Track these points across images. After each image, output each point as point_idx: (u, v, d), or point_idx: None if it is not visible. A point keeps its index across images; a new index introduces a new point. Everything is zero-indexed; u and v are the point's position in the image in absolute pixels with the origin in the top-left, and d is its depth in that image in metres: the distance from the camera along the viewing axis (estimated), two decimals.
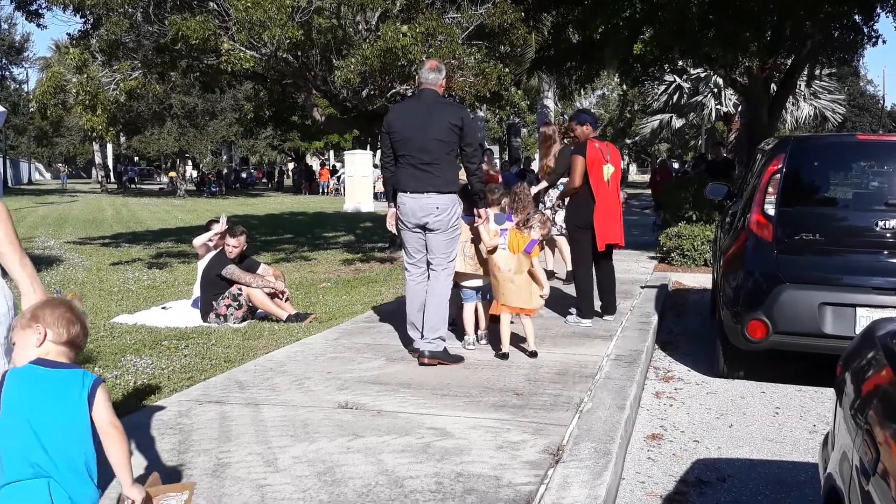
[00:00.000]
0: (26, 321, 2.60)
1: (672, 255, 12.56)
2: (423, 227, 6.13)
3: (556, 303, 8.21)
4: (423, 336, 6.14)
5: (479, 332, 6.77)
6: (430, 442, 4.31)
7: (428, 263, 6.26)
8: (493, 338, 6.60)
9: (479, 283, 6.67)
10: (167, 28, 11.56)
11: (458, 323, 6.80)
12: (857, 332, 5.40)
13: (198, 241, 8.59)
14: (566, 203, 8.15)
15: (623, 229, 7.89)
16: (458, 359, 6.19)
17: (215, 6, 11.85)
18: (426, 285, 6.28)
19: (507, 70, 13.23)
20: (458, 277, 6.55)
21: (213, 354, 6.51)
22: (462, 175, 6.35)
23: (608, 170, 7.65)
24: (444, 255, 6.16)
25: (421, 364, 6.04)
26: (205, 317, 7.98)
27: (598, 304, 7.91)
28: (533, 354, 6.28)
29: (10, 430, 2.49)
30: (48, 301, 2.73)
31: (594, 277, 7.87)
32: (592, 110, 48.91)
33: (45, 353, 2.59)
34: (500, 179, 13.87)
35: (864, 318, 5.68)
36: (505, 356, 6.24)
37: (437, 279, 6.21)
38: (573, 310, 7.76)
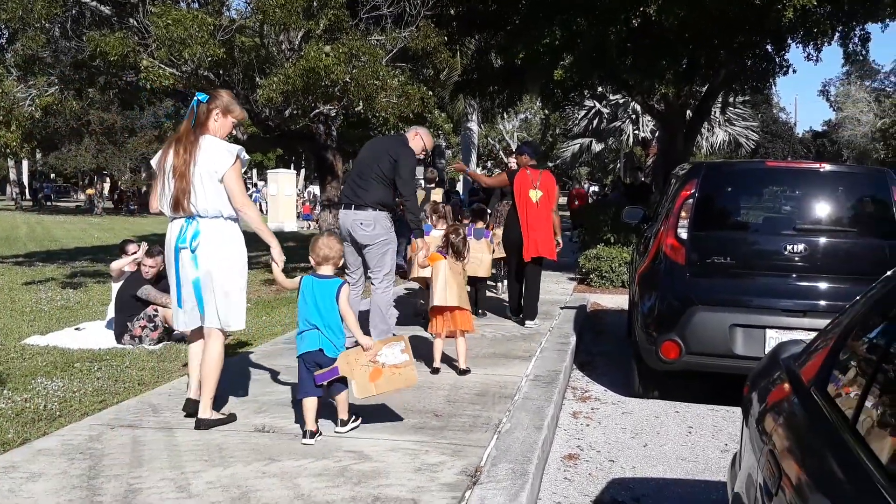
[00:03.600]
0: (320, 258, 4.85)
1: (591, 276, 12.78)
2: (353, 242, 6.75)
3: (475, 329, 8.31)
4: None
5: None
6: (347, 465, 4.29)
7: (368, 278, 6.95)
8: (427, 355, 6.70)
9: None
10: (85, 44, 11.33)
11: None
12: (767, 352, 5.58)
13: (115, 265, 8.41)
14: (504, 223, 9.19)
15: (552, 244, 8.76)
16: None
17: (135, 23, 11.66)
18: (358, 296, 6.98)
19: (430, 92, 13.31)
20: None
21: (126, 377, 6.37)
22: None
23: (535, 193, 8.65)
24: (378, 268, 6.79)
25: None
26: (119, 338, 7.80)
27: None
28: (465, 372, 6.44)
29: (303, 305, 4.78)
30: (322, 241, 4.88)
31: (520, 284, 8.95)
32: (515, 134, 49.49)
33: (323, 270, 4.86)
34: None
35: (773, 339, 5.86)
36: (436, 371, 6.47)
37: (377, 291, 6.85)
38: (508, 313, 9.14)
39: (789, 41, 15.40)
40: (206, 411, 4.88)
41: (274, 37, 12.04)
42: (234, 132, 14.82)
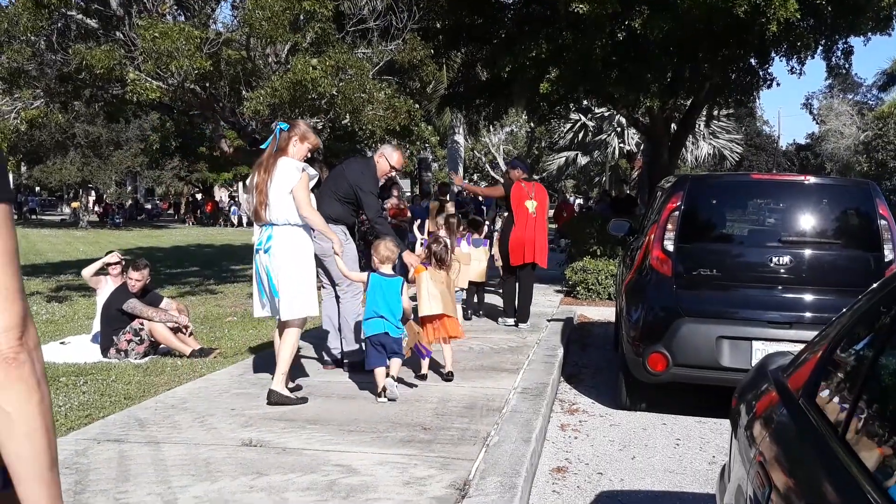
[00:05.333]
0: (383, 258, 6.12)
1: (577, 288, 12.80)
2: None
3: (462, 343, 8.36)
4: (342, 350, 7.15)
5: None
6: (335, 479, 4.27)
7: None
8: (414, 363, 6.84)
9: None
10: (71, 57, 11.31)
11: None
12: (754, 364, 5.60)
13: (86, 272, 8.37)
14: (500, 230, 10.26)
15: (545, 252, 9.59)
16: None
17: (121, 36, 11.65)
18: (333, 303, 7.19)
19: (416, 105, 13.34)
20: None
21: (112, 391, 6.33)
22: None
23: (531, 204, 9.40)
24: (339, 279, 6.91)
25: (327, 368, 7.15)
26: (105, 352, 7.76)
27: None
28: (449, 376, 6.69)
29: (373, 298, 5.93)
30: (384, 244, 6.15)
31: (516, 288, 9.56)
32: (501, 147, 49.59)
33: (384, 269, 6.09)
34: (409, 213, 13.98)
35: (759, 350, 5.87)
36: (424, 377, 6.71)
37: (342, 301, 7.09)
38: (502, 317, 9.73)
39: (773, 55, 15.46)
40: (277, 384, 5.81)
41: (260, 50, 12.05)
42: (221, 146, 14.84)
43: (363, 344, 6.20)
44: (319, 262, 6.95)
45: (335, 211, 7.07)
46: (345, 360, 7.11)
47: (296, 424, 5.35)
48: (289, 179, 5.74)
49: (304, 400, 5.88)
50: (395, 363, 6.09)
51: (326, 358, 7.25)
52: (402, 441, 5.00)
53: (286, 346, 5.84)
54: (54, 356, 7.68)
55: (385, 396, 5.89)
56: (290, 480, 4.25)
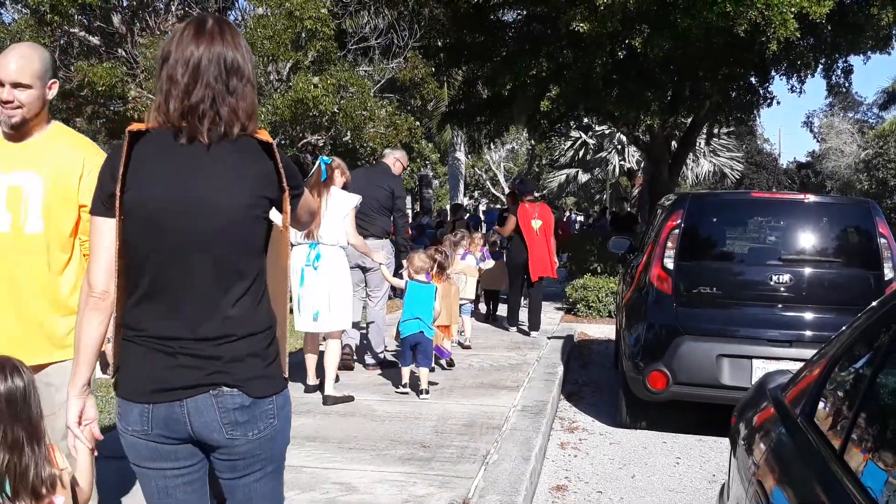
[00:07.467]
0: (418, 269, 6.79)
1: (578, 306, 12.78)
2: (360, 267, 7.48)
3: (462, 360, 8.39)
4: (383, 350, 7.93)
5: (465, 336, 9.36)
6: (334, 497, 4.26)
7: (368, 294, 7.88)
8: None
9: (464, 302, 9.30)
10: (73, 73, 11.37)
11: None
12: (753, 382, 5.58)
13: None
14: (507, 248, 10.89)
15: (554, 265, 10.44)
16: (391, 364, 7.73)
17: (124, 53, 11.71)
18: (359, 310, 7.83)
19: (417, 123, 13.38)
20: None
21: (111, 408, 6.30)
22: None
23: (536, 223, 10.15)
24: (378, 288, 7.71)
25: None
26: (104, 368, 7.72)
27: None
28: (451, 364, 7.87)
29: (410, 302, 6.71)
30: (417, 257, 6.89)
31: (521, 301, 10.57)
32: (502, 164, 49.63)
33: (419, 277, 6.76)
34: (411, 231, 14.03)
35: (759, 369, 5.85)
36: (452, 364, 7.86)
37: (374, 308, 7.80)
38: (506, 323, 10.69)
39: (773, 73, 15.53)
40: (330, 390, 6.40)
41: (262, 67, 12.09)
42: None
43: (401, 343, 6.79)
44: (365, 272, 7.66)
45: (386, 224, 7.75)
46: (367, 358, 7.80)
47: (295, 441, 5.30)
48: (343, 207, 6.44)
49: (351, 398, 6.52)
50: (424, 373, 6.71)
51: (369, 360, 7.84)
52: (401, 459, 4.99)
53: (333, 356, 6.44)
54: None
55: (408, 389, 6.72)
56: (288, 498, 4.22)
